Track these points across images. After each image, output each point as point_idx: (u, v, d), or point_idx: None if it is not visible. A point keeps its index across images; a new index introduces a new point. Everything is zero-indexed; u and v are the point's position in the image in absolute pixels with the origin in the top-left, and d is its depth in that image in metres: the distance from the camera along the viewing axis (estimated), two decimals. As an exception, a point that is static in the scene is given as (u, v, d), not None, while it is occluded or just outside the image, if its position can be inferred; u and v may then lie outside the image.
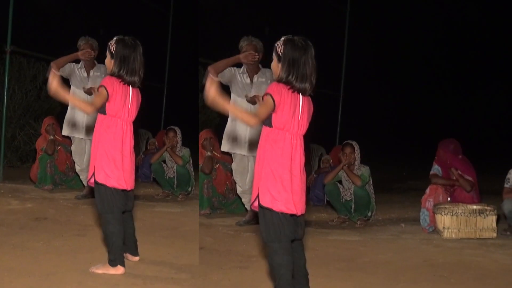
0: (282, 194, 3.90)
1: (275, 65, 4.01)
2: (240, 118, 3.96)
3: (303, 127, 4.01)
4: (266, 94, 3.92)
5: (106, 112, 4.68)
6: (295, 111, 3.95)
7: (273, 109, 3.88)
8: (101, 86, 4.66)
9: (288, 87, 3.92)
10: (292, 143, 3.95)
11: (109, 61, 4.73)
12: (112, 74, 4.69)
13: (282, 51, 3.96)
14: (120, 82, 4.68)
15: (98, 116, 4.75)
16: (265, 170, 3.93)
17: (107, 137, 4.67)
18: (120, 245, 4.68)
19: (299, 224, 4.08)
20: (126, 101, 4.72)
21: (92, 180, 4.73)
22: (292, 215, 3.95)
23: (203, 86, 8.86)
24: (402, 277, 4.84)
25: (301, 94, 3.97)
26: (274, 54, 4.03)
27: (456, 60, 17.79)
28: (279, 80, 3.96)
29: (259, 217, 4.01)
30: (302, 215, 4.04)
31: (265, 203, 3.90)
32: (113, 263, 4.63)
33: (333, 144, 9.37)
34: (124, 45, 4.68)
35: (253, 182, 4.06)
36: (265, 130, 3.99)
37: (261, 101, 4.00)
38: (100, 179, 4.66)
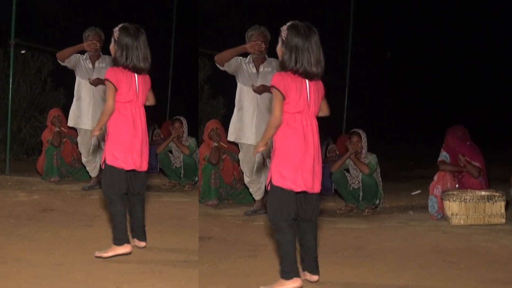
0: (292, 172, 4.05)
1: (279, 49, 4.15)
2: (270, 132, 4.07)
3: (314, 107, 4.13)
4: (271, 87, 4.07)
5: (116, 99, 4.76)
6: (301, 94, 4.06)
7: (284, 98, 4.02)
8: (106, 79, 4.75)
9: (291, 73, 4.04)
10: (303, 123, 4.08)
11: (112, 47, 4.84)
12: (114, 62, 4.79)
13: (285, 36, 4.09)
14: (123, 69, 4.76)
15: None
16: (277, 151, 4.08)
17: (118, 121, 4.77)
18: (124, 224, 4.77)
19: (310, 203, 4.17)
20: (132, 86, 4.79)
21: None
22: (302, 193, 4.08)
23: (209, 77, 8.83)
24: (411, 263, 4.83)
25: (307, 79, 4.03)
26: (279, 38, 4.14)
27: (464, 47, 17.67)
28: (282, 66, 4.10)
29: (268, 197, 4.17)
30: (314, 194, 4.15)
31: (275, 182, 4.06)
32: (119, 241, 4.70)
33: (339, 133, 9.34)
34: (127, 33, 4.78)
35: (270, 165, 4.19)
36: None
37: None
38: (108, 161, 4.75)
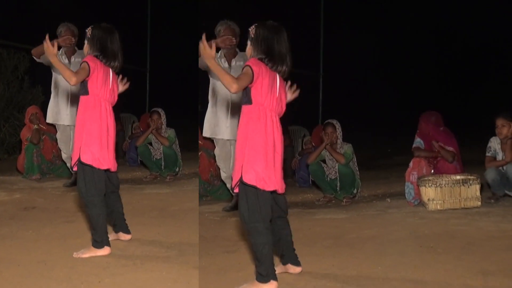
0: (266, 172, 3.93)
1: (249, 48, 4.08)
2: (222, 79, 3.87)
3: (282, 105, 4.07)
4: (245, 66, 3.96)
5: (89, 92, 4.72)
6: (272, 87, 4.00)
7: (252, 79, 3.91)
8: (83, 61, 4.70)
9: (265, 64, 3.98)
10: (273, 120, 3.99)
11: (86, 47, 4.82)
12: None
13: (253, 33, 4.04)
14: (100, 62, 4.74)
15: (81, 98, 4.78)
16: (248, 148, 3.94)
17: (92, 118, 4.71)
18: (105, 226, 4.74)
19: (281, 200, 4.14)
20: (107, 81, 4.78)
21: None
22: (274, 192, 4.01)
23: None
24: (390, 250, 4.92)
25: (276, 72, 4.03)
26: (248, 40, 4.09)
27: (436, 32, 17.80)
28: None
29: (240, 198, 3.99)
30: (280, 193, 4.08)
31: (249, 181, 3.92)
32: (99, 244, 4.69)
33: (316, 125, 9.40)
34: (100, 29, 4.79)
35: (235, 163, 4.06)
36: (246, 108, 4.02)
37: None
38: (87, 160, 4.68)
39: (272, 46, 3.98)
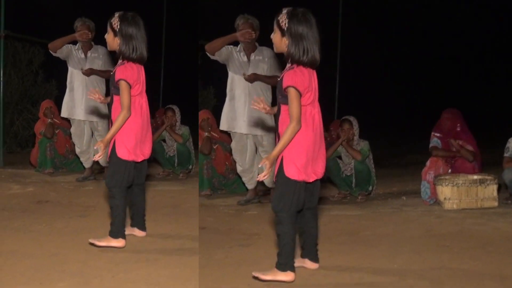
0: (307, 165, 3.97)
1: (279, 39, 3.97)
2: (290, 138, 3.90)
3: (317, 94, 4.04)
4: (288, 86, 3.89)
5: None
6: (311, 85, 3.97)
7: (300, 97, 3.90)
8: (120, 80, 4.60)
9: (301, 66, 3.92)
10: (312, 114, 3.99)
11: (111, 39, 4.66)
12: (121, 56, 4.65)
13: (286, 25, 3.90)
14: (131, 64, 4.64)
15: (115, 97, 4.70)
16: (290, 144, 3.94)
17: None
18: (123, 218, 4.73)
19: (316, 189, 4.20)
20: (140, 78, 4.72)
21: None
22: (310, 183, 4.05)
23: (200, 66, 8.70)
24: (404, 248, 4.85)
25: (313, 68, 3.99)
26: (276, 27, 3.97)
27: (454, 32, 17.68)
28: (291, 58, 3.93)
29: (276, 186, 4.08)
30: (318, 180, 4.13)
31: (289, 174, 3.96)
32: (115, 234, 4.69)
33: (331, 121, 9.33)
34: (129, 23, 4.61)
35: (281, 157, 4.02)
36: (285, 107, 3.99)
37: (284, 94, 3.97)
38: (121, 154, 4.66)
39: (309, 42, 3.88)
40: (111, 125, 4.68)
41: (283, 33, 3.92)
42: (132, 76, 4.63)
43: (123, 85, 4.60)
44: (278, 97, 4.06)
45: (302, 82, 3.90)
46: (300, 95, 3.89)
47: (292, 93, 3.89)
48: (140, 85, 4.73)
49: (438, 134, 6.71)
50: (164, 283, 4.01)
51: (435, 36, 17.66)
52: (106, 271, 4.21)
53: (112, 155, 4.70)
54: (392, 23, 16.79)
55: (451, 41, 17.58)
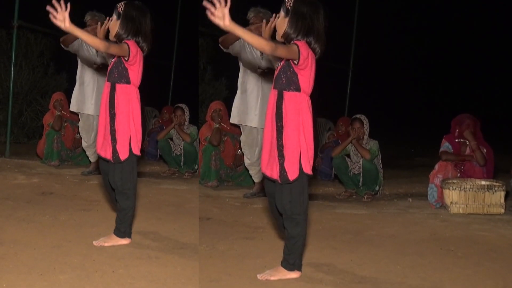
0: (312, 161, 3.88)
1: (282, 20, 3.80)
2: (254, 41, 3.52)
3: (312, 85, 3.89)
4: (293, 43, 3.70)
5: (131, 81, 4.48)
6: (312, 72, 3.81)
7: (298, 59, 3.68)
8: (125, 42, 4.39)
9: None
10: (310, 104, 3.85)
11: (114, 23, 4.49)
12: (117, 38, 4.47)
13: (291, 5, 3.75)
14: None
15: (119, 86, 4.49)
16: (305, 138, 3.80)
17: (137, 109, 4.52)
18: (132, 219, 4.69)
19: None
20: (140, 69, 4.55)
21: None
22: None
23: (212, 58, 8.52)
24: (409, 250, 4.82)
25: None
26: (281, 10, 3.81)
27: (473, 34, 17.54)
28: (287, 38, 3.75)
29: (294, 188, 3.85)
30: None
31: (307, 170, 3.83)
32: (123, 234, 4.64)
33: (340, 116, 9.23)
34: (134, 7, 4.48)
35: (289, 153, 3.82)
36: (294, 96, 3.78)
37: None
38: (136, 150, 4.53)
39: (312, 24, 3.73)
40: (110, 117, 4.51)
41: (287, 13, 3.78)
42: (137, 53, 4.43)
43: (122, 47, 4.36)
44: (278, 82, 3.84)
45: (307, 51, 3.70)
46: (298, 57, 3.66)
47: (290, 45, 3.68)
48: (140, 77, 4.53)
49: (454, 134, 6.60)
50: (164, 280, 3.99)
51: (454, 36, 17.56)
52: (107, 265, 4.18)
53: (121, 155, 4.50)
54: (409, 21, 16.70)
55: (471, 43, 17.47)
